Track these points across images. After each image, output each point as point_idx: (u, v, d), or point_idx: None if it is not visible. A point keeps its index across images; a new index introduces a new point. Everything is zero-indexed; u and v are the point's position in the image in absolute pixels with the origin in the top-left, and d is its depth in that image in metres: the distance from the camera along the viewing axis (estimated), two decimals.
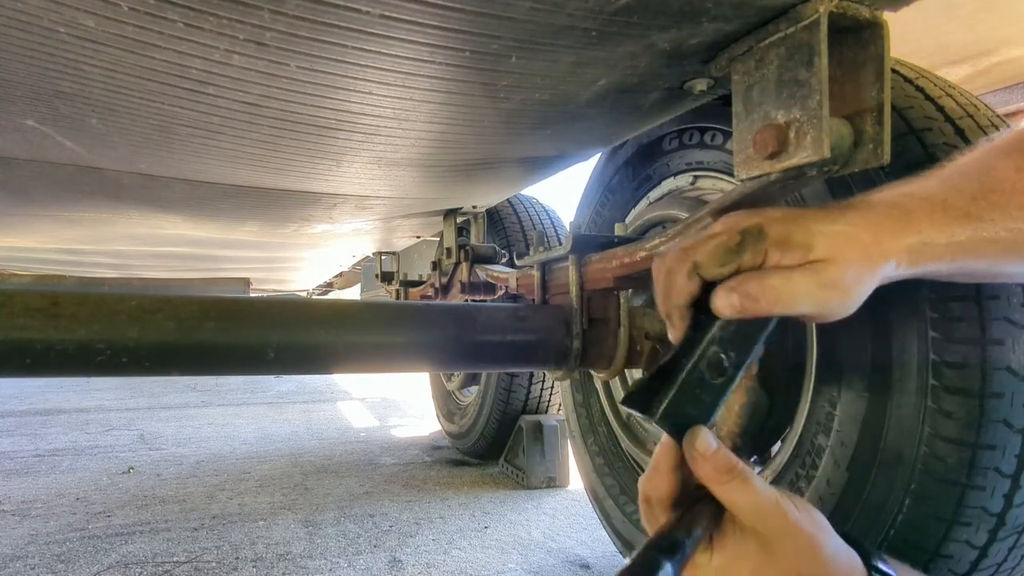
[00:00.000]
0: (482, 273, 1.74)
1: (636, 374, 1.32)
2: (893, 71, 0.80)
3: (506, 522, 1.72)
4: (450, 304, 1.04)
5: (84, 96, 0.87)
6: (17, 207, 1.79)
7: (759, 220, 0.49)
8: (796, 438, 0.86)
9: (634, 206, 1.32)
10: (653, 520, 0.51)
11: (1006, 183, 0.49)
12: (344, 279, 5.61)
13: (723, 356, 0.50)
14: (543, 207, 2.34)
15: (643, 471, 0.64)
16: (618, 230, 1.09)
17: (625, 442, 1.37)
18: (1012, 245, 0.49)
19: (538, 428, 2.07)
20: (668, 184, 1.21)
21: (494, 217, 2.25)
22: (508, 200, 2.26)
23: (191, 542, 1.56)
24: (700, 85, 0.80)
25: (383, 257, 3.04)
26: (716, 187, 1.11)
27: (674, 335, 0.53)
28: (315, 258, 3.70)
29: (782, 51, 0.61)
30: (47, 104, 0.91)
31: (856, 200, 0.52)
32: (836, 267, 0.47)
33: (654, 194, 1.26)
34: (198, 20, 0.63)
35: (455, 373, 2.50)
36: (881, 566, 0.48)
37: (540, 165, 1.34)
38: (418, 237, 2.59)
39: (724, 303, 0.48)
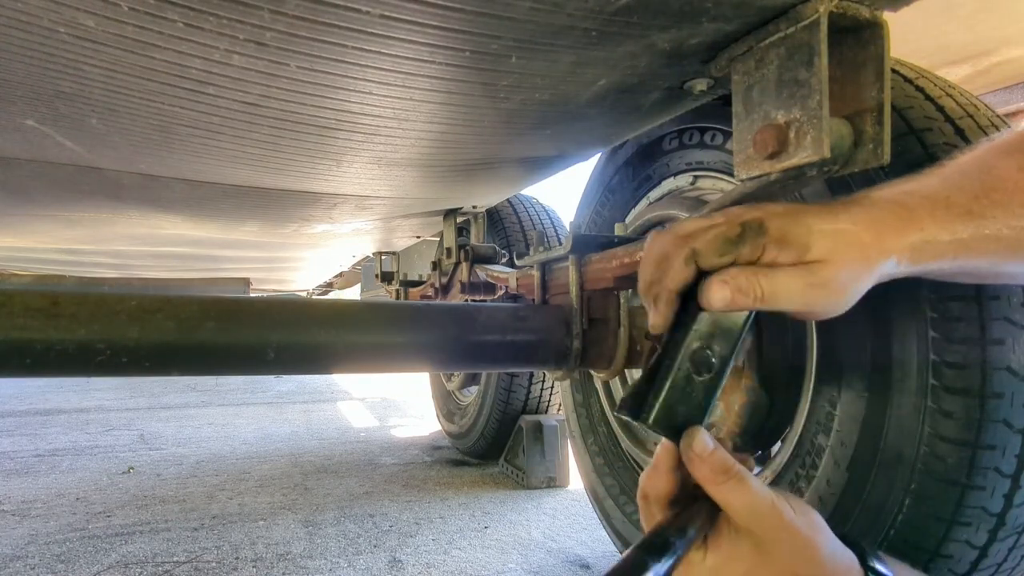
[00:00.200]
0: (482, 273, 1.74)
1: (636, 374, 1.31)
2: (893, 71, 0.80)
3: (506, 522, 1.72)
4: (450, 304, 1.04)
5: (84, 96, 0.87)
6: (17, 207, 1.79)
7: (760, 214, 0.49)
8: (796, 438, 0.86)
9: (634, 206, 1.32)
10: (650, 518, 0.51)
11: (1008, 182, 0.49)
12: (344, 279, 5.61)
13: (708, 351, 0.50)
14: (543, 207, 2.34)
15: (643, 471, 0.64)
16: (618, 230, 1.09)
17: (625, 442, 1.37)
18: (1014, 243, 0.49)
19: (538, 428, 2.07)
20: (668, 184, 1.21)
21: (494, 217, 2.25)
22: (508, 200, 2.26)
23: (191, 542, 1.56)
24: (700, 85, 0.80)
25: (383, 257, 3.04)
26: (716, 187, 1.10)
27: (656, 320, 0.52)
28: (315, 258, 3.70)
29: (782, 51, 0.61)
30: (47, 104, 0.91)
31: (859, 196, 0.52)
32: (831, 268, 0.47)
33: (654, 194, 1.26)
34: (198, 20, 0.63)
35: (455, 373, 2.50)
36: (878, 566, 0.48)
37: (540, 165, 1.34)
38: (418, 237, 2.59)
39: (718, 295, 0.47)
